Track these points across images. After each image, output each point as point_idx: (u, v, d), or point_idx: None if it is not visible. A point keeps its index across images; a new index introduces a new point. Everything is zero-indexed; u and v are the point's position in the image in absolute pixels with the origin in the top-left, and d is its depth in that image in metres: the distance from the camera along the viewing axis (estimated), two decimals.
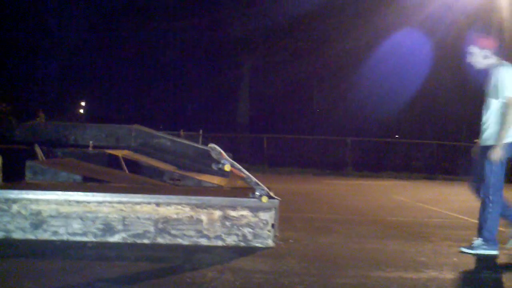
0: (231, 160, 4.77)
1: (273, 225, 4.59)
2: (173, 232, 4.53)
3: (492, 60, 4.74)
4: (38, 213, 4.48)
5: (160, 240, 4.51)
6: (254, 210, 4.57)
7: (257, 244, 4.55)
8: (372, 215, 7.32)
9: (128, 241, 4.49)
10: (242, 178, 4.85)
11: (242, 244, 4.54)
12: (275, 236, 4.63)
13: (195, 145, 12.03)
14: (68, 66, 33.33)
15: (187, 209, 4.55)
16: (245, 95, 29.16)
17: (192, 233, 4.53)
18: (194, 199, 4.59)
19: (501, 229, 4.73)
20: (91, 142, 11.00)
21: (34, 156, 8.61)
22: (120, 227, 4.50)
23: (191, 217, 4.54)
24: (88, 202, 4.51)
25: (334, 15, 25.68)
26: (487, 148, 4.59)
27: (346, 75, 28.31)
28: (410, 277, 3.76)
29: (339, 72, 28.43)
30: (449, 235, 5.71)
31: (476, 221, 7.02)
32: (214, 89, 31.27)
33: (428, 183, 16.73)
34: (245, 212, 4.56)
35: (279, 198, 4.66)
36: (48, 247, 4.25)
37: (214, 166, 4.83)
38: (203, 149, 11.13)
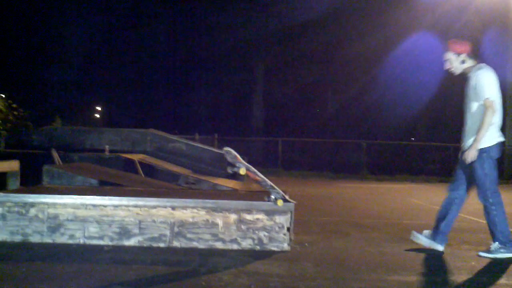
0: (246, 164, 4.77)
1: (288, 229, 4.58)
2: (188, 235, 4.54)
3: (470, 64, 4.75)
4: (55, 216, 4.52)
5: (175, 243, 4.53)
6: (270, 213, 4.57)
7: (273, 247, 4.54)
8: (388, 219, 7.27)
9: (144, 245, 4.51)
10: (257, 182, 4.85)
11: (258, 247, 4.54)
12: (290, 239, 4.62)
13: (210, 148, 12.06)
14: (84, 72, 33.67)
15: (203, 212, 4.56)
16: (259, 99, 29.19)
17: (207, 236, 4.54)
18: (209, 202, 4.60)
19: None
20: (107, 146, 11.08)
21: (51, 161, 8.70)
22: (136, 230, 4.53)
23: (207, 220, 4.55)
24: (105, 206, 4.55)
25: (348, 18, 25.64)
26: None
27: (360, 78, 28.21)
28: (427, 280, 3.73)
29: (354, 74, 28.35)
30: (467, 239, 5.65)
31: None
32: (229, 93, 31.37)
33: (444, 186, 16.49)
34: (260, 216, 4.56)
35: (294, 202, 4.66)
36: (65, 250, 4.29)
37: (229, 170, 4.83)
38: (218, 153, 11.15)
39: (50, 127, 13.71)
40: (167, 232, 4.54)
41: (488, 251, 4.60)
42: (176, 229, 4.54)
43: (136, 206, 4.55)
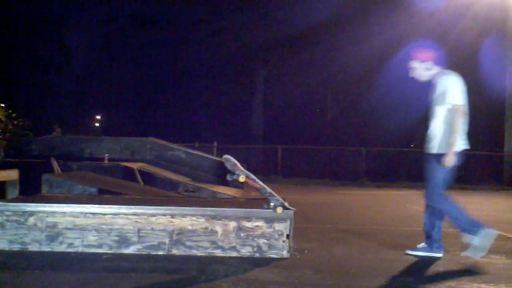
0: (245, 171, 4.77)
1: (288, 236, 4.57)
2: (188, 243, 4.53)
3: (435, 70, 4.82)
4: (54, 225, 4.52)
5: (175, 251, 4.52)
6: (269, 221, 4.56)
7: (272, 255, 4.53)
8: (388, 225, 7.26)
9: (143, 253, 4.50)
10: (257, 189, 4.85)
11: (257, 255, 4.53)
12: (290, 247, 4.61)
13: (210, 156, 12.08)
14: (84, 81, 33.73)
15: (202, 220, 4.55)
16: (259, 106, 29.23)
17: (207, 244, 4.53)
18: (209, 210, 4.60)
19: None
20: (106, 155, 11.10)
21: (50, 170, 8.70)
22: (135, 238, 4.52)
23: (206, 228, 4.54)
24: (104, 214, 4.54)
25: (347, 25, 25.70)
26: (435, 156, 4.66)
27: (360, 84, 28.26)
28: (427, 286, 3.72)
29: (353, 81, 28.39)
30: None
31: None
32: (228, 100, 31.40)
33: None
34: (260, 223, 4.56)
35: (294, 209, 4.65)
36: (63, 259, 4.28)
37: (228, 177, 4.83)
38: (218, 161, 11.16)
39: (50, 136, 13.72)
40: (166, 240, 4.53)
41: (472, 247, 4.62)
42: (175, 237, 4.53)
43: (135, 214, 4.55)
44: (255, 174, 4.88)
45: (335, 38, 26.36)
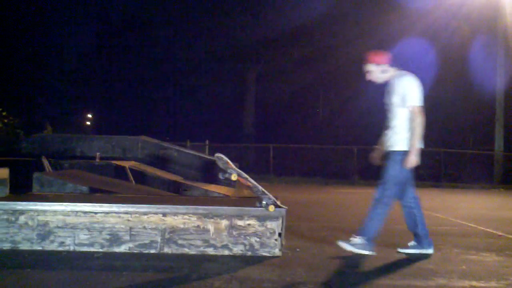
0: (237, 170, 4.77)
1: (280, 234, 4.57)
2: (180, 241, 4.53)
3: (391, 72, 4.88)
4: (45, 224, 4.49)
5: (166, 250, 4.51)
6: (261, 219, 4.56)
7: (264, 253, 4.54)
8: None
9: (135, 251, 4.49)
10: (249, 187, 4.85)
11: (249, 253, 4.53)
12: (282, 245, 4.62)
13: (202, 155, 12.06)
14: (75, 79, 33.55)
15: (194, 218, 4.55)
16: (251, 105, 29.21)
17: (199, 242, 4.53)
18: (201, 208, 4.59)
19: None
20: (98, 153, 11.05)
21: (41, 168, 8.65)
22: (126, 237, 4.51)
23: (198, 226, 4.54)
24: (95, 213, 4.53)
25: (339, 24, 25.75)
26: (394, 153, 4.71)
27: (351, 84, 28.30)
28: (418, 285, 3.74)
29: (345, 80, 28.44)
30: (458, 243, 5.67)
31: (484, 228, 7.00)
32: (220, 99, 31.36)
33: (435, 191, 16.64)
34: (252, 221, 4.56)
35: (286, 207, 4.66)
36: (55, 258, 4.26)
37: (220, 176, 4.83)
38: (210, 159, 11.15)
39: (41, 135, 13.64)
40: (158, 239, 4.52)
41: (349, 242, 4.70)
42: (167, 236, 4.52)
43: (126, 212, 4.53)
44: (247, 173, 4.88)
45: (327, 37, 26.40)
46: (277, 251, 4.55)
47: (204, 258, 4.36)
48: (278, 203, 4.66)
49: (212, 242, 4.53)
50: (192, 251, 4.51)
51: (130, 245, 4.51)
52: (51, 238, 4.49)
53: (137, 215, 4.53)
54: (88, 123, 41.98)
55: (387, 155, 4.79)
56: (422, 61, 25.68)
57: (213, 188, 9.35)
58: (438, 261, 4.62)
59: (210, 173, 10.62)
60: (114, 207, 4.56)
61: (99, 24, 32.00)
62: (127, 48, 31.62)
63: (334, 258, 4.62)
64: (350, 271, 4.11)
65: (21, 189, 6.53)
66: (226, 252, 4.52)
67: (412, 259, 4.65)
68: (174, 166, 11.35)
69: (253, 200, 4.95)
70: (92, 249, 4.48)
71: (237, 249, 4.54)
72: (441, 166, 21.43)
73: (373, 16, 25.24)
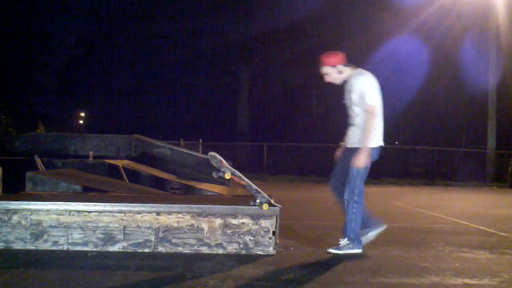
0: (231, 168, 4.77)
1: (274, 233, 4.58)
2: (174, 240, 4.52)
3: (347, 71, 4.90)
4: (39, 223, 4.47)
5: (160, 249, 4.51)
6: (255, 217, 4.57)
7: (258, 251, 4.54)
8: None
9: (129, 250, 4.48)
10: (243, 186, 4.85)
11: (243, 252, 4.53)
12: (276, 243, 4.63)
13: (195, 154, 12.03)
14: (68, 77, 33.40)
15: (188, 217, 4.54)
16: (244, 103, 29.19)
17: (193, 241, 4.53)
18: (195, 207, 4.59)
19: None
20: (91, 152, 11.00)
21: (34, 167, 8.61)
22: (120, 236, 4.50)
23: (192, 225, 4.53)
24: (89, 212, 4.51)
25: (331, 22, 25.77)
26: (357, 150, 4.73)
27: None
28: (412, 282, 3.75)
29: None
30: (451, 241, 5.70)
31: (477, 226, 7.03)
32: (214, 98, 31.33)
33: (428, 189, 16.72)
34: (246, 220, 4.56)
35: (280, 206, 4.66)
36: (48, 257, 4.24)
37: (214, 174, 4.83)
38: (203, 158, 11.13)
39: (33, 134, 13.58)
40: (152, 238, 4.52)
41: (338, 247, 4.70)
42: (161, 234, 4.52)
43: (120, 211, 4.52)
44: (241, 171, 4.88)
45: (320, 36, 26.40)
46: (271, 250, 4.55)
47: (198, 257, 4.36)
48: (272, 201, 4.66)
49: (206, 241, 4.53)
50: (186, 250, 4.51)
51: (124, 244, 4.50)
52: (45, 237, 4.47)
53: (130, 214, 4.52)
54: (81, 121, 41.84)
55: (350, 152, 4.79)
56: (414, 60, 25.77)
57: (207, 186, 9.35)
58: (432, 259, 4.64)
59: (204, 172, 10.60)
60: (107, 206, 4.55)
61: (92, 23, 31.86)
62: (120, 47, 31.51)
63: (328, 256, 4.63)
64: (344, 269, 4.12)
65: (14, 188, 6.51)
66: (220, 251, 4.52)
67: (406, 257, 4.67)
68: (168, 165, 11.32)
69: (247, 198, 4.95)
70: (86, 248, 4.47)
71: (231, 248, 4.54)
72: (434, 164, 21.52)
73: (365, 14, 25.28)
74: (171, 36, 28.57)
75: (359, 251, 4.72)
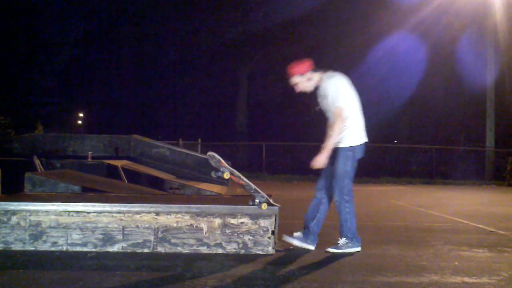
0: (230, 168, 4.77)
1: (273, 232, 4.58)
2: (173, 240, 4.52)
3: (317, 76, 4.89)
4: (38, 224, 4.47)
5: (160, 249, 4.51)
6: (254, 217, 4.57)
7: (258, 251, 4.54)
8: (372, 221, 7.31)
9: (128, 251, 4.48)
10: (242, 186, 4.85)
11: (243, 251, 4.53)
12: (275, 243, 4.63)
13: (194, 153, 12.03)
14: (66, 78, 33.37)
15: (187, 217, 4.54)
16: (243, 103, 29.19)
17: (192, 241, 4.53)
18: (194, 207, 4.59)
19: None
20: (90, 153, 11.00)
21: (33, 168, 8.61)
22: (119, 236, 4.50)
23: (191, 225, 4.54)
24: (88, 212, 4.51)
25: (329, 21, 25.77)
26: (340, 150, 4.77)
27: None
28: (411, 281, 3.76)
29: None
30: (450, 239, 5.70)
31: (476, 224, 7.04)
32: (212, 98, 31.31)
33: (427, 188, 16.72)
34: (245, 220, 4.56)
35: (279, 205, 4.66)
36: (47, 258, 4.24)
37: (213, 174, 4.83)
38: (202, 158, 11.13)
39: (32, 134, 13.57)
40: (151, 238, 4.52)
41: (337, 246, 4.73)
42: (160, 235, 4.52)
43: (119, 212, 4.52)
44: (239, 171, 4.88)
45: (318, 35, 26.41)
46: (270, 249, 4.55)
47: (197, 257, 4.36)
48: (271, 201, 4.67)
49: (205, 240, 4.53)
50: (186, 250, 4.51)
51: (123, 244, 4.50)
52: (44, 238, 4.47)
53: (130, 214, 4.52)
54: (80, 122, 41.80)
55: (334, 153, 4.80)
56: (412, 59, 25.76)
57: (206, 186, 9.35)
58: (431, 257, 4.64)
59: (202, 171, 10.61)
60: (106, 207, 4.55)
61: (90, 23, 31.82)
62: (118, 47, 31.49)
63: (327, 255, 4.63)
64: (343, 268, 4.13)
65: (13, 189, 6.50)
66: (220, 251, 4.52)
67: (405, 256, 4.67)
68: (167, 165, 11.33)
69: (246, 198, 4.95)
70: (85, 249, 4.47)
71: (231, 248, 4.54)
72: (433, 163, 21.53)
73: (364, 13, 25.28)
74: (169, 36, 28.55)
75: (358, 249, 4.74)
